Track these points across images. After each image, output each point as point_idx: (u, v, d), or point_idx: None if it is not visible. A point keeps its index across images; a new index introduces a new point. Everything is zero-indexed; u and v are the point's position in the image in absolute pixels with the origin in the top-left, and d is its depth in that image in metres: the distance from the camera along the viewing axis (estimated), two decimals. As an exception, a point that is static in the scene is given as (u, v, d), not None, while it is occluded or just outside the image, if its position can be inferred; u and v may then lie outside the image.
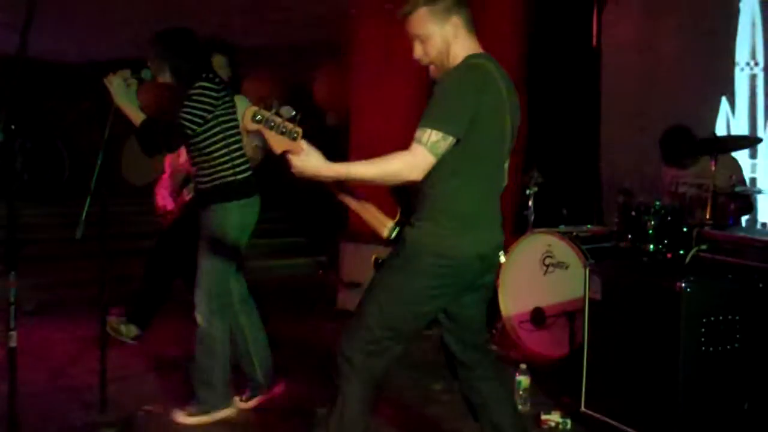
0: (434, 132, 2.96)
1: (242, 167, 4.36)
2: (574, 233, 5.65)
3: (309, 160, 3.00)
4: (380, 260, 3.34)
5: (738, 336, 3.94)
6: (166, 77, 4.32)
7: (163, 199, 5.53)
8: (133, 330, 5.53)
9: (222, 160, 4.27)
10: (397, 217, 3.28)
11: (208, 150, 4.27)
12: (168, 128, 4.17)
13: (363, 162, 3.08)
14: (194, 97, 4.13)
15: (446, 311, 3.30)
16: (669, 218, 5.04)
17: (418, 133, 2.98)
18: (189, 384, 4.50)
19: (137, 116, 4.20)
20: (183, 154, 5.26)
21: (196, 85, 4.16)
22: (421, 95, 7.89)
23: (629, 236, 5.15)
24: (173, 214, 5.54)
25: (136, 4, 8.14)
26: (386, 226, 3.29)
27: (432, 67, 3.27)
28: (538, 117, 7.34)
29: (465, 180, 3.09)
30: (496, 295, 5.95)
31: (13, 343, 3.44)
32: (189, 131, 4.15)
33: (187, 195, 5.43)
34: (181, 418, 4.36)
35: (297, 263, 9.70)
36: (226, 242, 4.30)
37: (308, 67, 9.98)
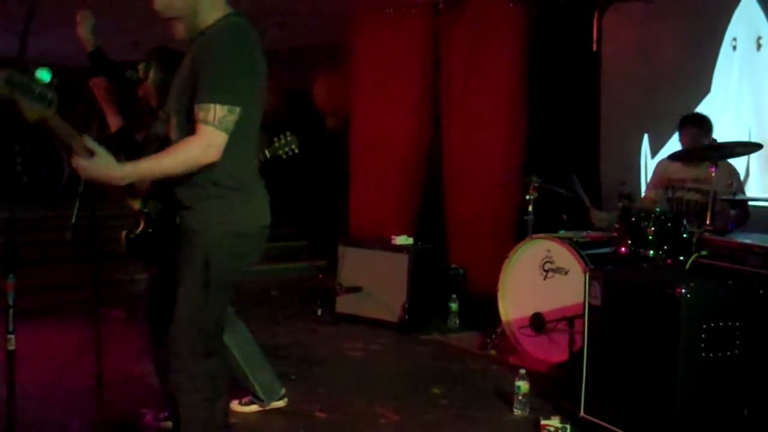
0: (219, 108, 2.79)
1: None
2: (574, 238, 5.65)
3: (99, 163, 2.76)
4: (132, 236, 3.20)
5: (738, 342, 3.92)
6: (150, 90, 4.29)
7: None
8: None
9: None
10: (147, 189, 3.10)
11: None
12: (134, 144, 4.14)
13: (154, 157, 2.86)
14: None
15: None
16: (669, 224, 5.04)
17: (201, 113, 2.79)
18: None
19: (114, 122, 4.19)
20: None
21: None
22: (422, 99, 7.91)
23: (629, 242, 5.16)
24: None
25: (134, 8, 8.13)
26: (137, 198, 3.13)
27: (178, 26, 3.01)
28: (538, 121, 7.35)
29: (239, 150, 2.95)
30: (496, 300, 5.95)
31: (12, 346, 3.43)
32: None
33: None
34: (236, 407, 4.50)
35: (297, 267, 9.70)
36: None
37: (308, 71, 9.98)
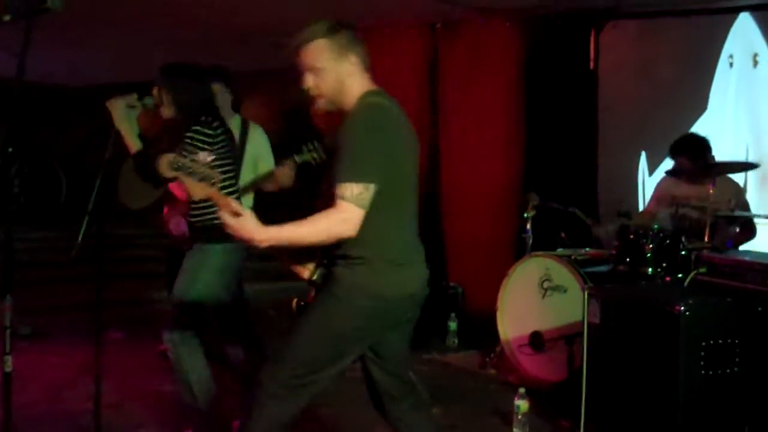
0: (355, 185, 2.94)
1: None
2: (573, 256, 5.64)
3: (245, 224, 2.96)
4: (303, 303, 3.31)
5: (737, 359, 3.91)
6: (170, 110, 4.29)
7: (178, 225, 5.38)
8: None
9: (209, 202, 4.21)
10: (318, 259, 3.24)
11: None
12: (151, 168, 4.11)
13: (295, 224, 3.02)
14: (187, 141, 4.08)
15: (371, 347, 3.29)
16: (667, 241, 5.04)
17: (339, 190, 2.95)
18: (184, 409, 4.46)
19: (133, 144, 4.17)
20: None
21: (192, 128, 4.12)
22: (416, 116, 7.91)
23: (628, 259, 5.15)
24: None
25: (131, 30, 8.17)
26: (308, 268, 3.26)
27: (320, 101, 3.22)
28: (536, 139, 7.36)
29: (389, 219, 3.09)
30: (495, 319, 5.93)
31: (8, 368, 3.41)
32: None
33: None
34: None
35: (295, 286, 9.65)
36: (201, 280, 4.26)
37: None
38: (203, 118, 4.18)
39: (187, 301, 4.25)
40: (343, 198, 2.94)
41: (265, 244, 3.00)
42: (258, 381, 3.13)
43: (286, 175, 5.13)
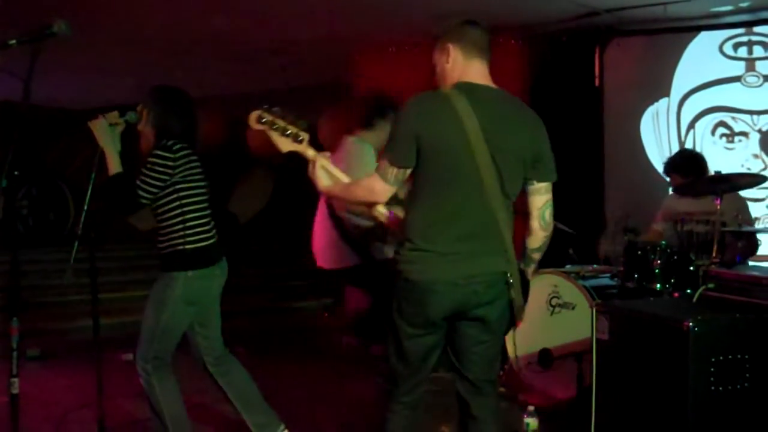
0: (385, 161, 3.19)
1: (197, 236, 4.15)
2: (581, 273, 5.62)
3: (319, 177, 3.37)
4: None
5: (748, 375, 3.88)
6: (147, 128, 4.24)
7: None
8: None
9: (175, 228, 4.12)
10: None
11: (163, 217, 4.14)
12: (129, 190, 4.04)
13: (343, 184, 3.40)
14: (149, 165, 4.02)
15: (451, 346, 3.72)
16: (675, 257, 5.02)
17: (380, 162, 3.24)
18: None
19: (113, 165, 4.12)
20: None
21: (152, 152, 4.05)
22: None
23: (636, 276, 5.14)
24: None
25: (137, 52, 8.22)
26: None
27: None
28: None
29: (423, 206, 3.23)
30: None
31: (15, 390, 3.41)
32: (143, 200, 4.05)
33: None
34: None
35: (303, 306, 9.67)
36: (166, 310, 4.11)
37: (312, 110, 10.03)
38: (164, 142, 4.09)
39: (154, 333, 4.16)
40: (377, 169, 3.24)
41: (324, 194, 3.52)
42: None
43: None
